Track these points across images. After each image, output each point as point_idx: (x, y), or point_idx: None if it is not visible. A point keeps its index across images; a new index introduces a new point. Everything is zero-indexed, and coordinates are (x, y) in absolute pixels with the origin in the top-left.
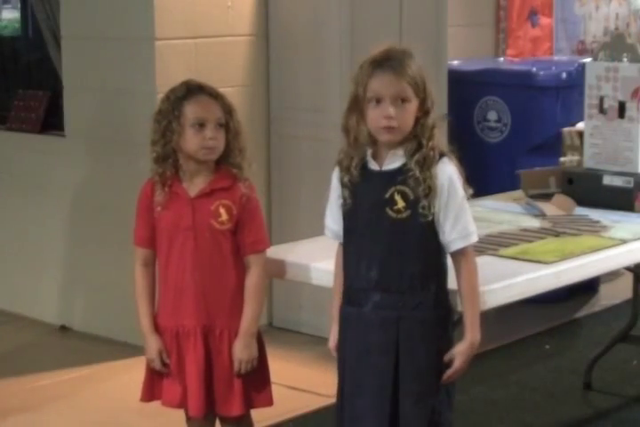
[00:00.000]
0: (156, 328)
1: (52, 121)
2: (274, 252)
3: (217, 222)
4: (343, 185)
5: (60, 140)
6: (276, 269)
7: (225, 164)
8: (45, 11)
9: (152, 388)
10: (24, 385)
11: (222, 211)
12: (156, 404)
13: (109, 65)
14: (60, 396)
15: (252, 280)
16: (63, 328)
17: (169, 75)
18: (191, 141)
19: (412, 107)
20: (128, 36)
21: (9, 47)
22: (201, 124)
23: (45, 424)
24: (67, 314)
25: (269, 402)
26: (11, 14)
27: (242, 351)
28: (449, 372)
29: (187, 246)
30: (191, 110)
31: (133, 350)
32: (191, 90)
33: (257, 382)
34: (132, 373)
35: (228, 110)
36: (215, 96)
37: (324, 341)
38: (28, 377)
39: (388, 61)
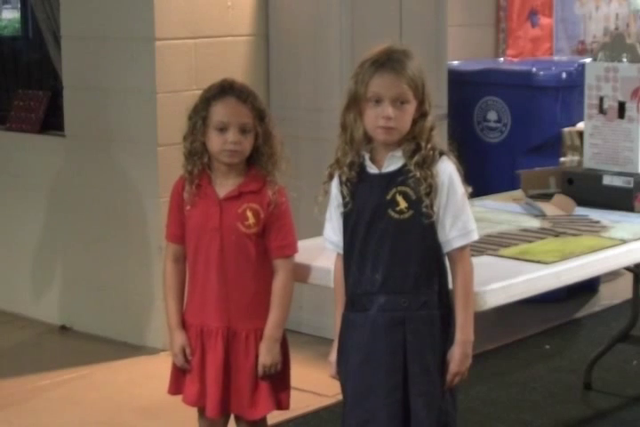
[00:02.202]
0: (183, 324)
1: (51, 121)
2: None
3: (243, 226)
4: (342, 184)
5: (60, 140)
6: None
7: (256, 167)
8: (45, 11)
9: (178, 382)
10: (24, 385)
11: (249, 214)
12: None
13: (109, 65)
14: (60, 396)
15: (279, 285)
16: (63, 328)
17: (169, 75)
18: (213, 143)
19: (411, 108)
20: (128, 36)
21: (9, 47)
22: (223, 128)
23: (45, 424)
24: (67, 314)
25: (286, 406)
26: (11, 14)
27: (265, 356)
28: (448, 376)
29: (212, 247)
30: (216, 112)
31: (133, 350)
32: (222, 90)
33: (277, 386)
34: (132, 373)
35: (257, 114)
36: (245, 99)
37: (324, 341)
38: (28, 377)
39: (390, 62)
